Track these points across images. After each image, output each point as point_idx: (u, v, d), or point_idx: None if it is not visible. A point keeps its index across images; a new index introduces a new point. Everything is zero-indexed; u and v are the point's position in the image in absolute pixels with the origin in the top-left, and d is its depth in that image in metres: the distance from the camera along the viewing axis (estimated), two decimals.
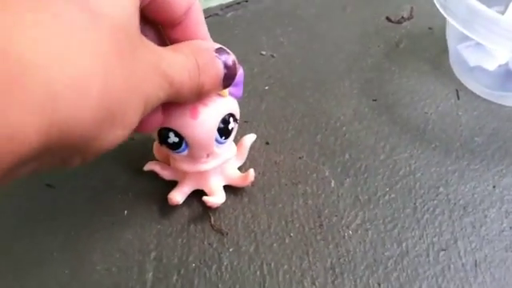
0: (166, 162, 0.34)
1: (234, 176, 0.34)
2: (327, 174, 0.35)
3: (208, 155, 0.31)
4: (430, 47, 0.44)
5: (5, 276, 0.31)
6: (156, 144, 0.34)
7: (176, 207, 0.34)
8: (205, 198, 0.32)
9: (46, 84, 0.17)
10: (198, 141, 0.30)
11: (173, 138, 0.30)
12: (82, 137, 0.19)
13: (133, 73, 0.21)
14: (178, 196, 0.33)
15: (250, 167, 0.35)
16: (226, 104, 0.30)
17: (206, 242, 0.32)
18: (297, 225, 0.33)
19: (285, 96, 0.40)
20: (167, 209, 0.34)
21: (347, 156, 0.36)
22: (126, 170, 0.36)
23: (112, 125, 0.20)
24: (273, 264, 0.31)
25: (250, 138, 0.35)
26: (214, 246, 0.32)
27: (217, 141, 0.30)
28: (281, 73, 0.42)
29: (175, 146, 0.30)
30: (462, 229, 0.32)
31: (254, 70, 0.42)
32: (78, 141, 0.19)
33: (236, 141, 0.34)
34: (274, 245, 0.32)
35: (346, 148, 0.37)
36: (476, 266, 0.31)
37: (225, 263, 0.31)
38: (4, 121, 0.16)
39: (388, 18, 0.47)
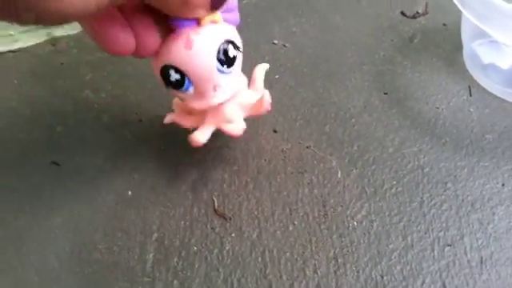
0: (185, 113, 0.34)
1: (251, 104, 0.33)
2: (334, 164, 0.35)
3: (215, 87, 0.30)
4: (443, 43, 0.43)
5: (5, 251, 0.31)
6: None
7: (180, 191, 0.33)
8: (224, 128, 0.32)
9: None
10: (198, 72, 0.28)
11: (174, 76, 0.28)
12: None
13: None
14: (199, 135, 0.31)
15: (256, 154, 0.35)
16: (221, 31, 0.29)
17: (208, 226, 0.32)
18: (301, 213, 0.32)
19: (295, 85, 0.40)
20: (171, 191, 0.33)
21: (355, 147, 0.36)
22: (131, 151, 0.36)
23: None
24: (275, 251, 0.31)
25: (261, 67, 0.34)
26: (217, 230, 0.32)
27: (219, 70, 0.29)
28: (292, 62, 0.42)
29: (179, 84, 0.29)
30: (468, 225, 0.32)
31: (266, 58, 0.42)
32: None
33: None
34: (278, 232, 0.32)
35: (355, 139, 0.36)
36: (482, 262, 0.30)
37: (226, 248, 0.31)
38: None
39: (403, 13, 0.46)
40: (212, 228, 0.32)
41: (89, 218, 0.32)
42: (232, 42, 0.29)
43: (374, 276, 0.30)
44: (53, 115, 0.38)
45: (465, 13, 0.35)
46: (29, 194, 0.34)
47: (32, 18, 0.20)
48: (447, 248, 0.31)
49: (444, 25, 0.45)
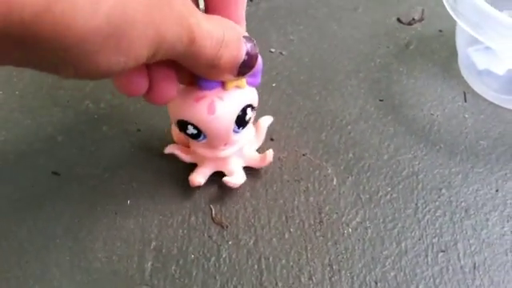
0: (184, 145, 0.35)
1: (253, 157, 0.35)
2: (330, 171, 0.35)
3: (226, 144, 0.32)
4: (439, 49, 0.44)
5: (7, 260, 0.32)
6: (174, 127, 0.35)
7: (178, 199, 0.34)
8: (225, 179, 0.33)
9: None
10: (215, 134, 0.30)
11: (191, 130, 0.30)
12: (76, 41, 0.19)
13: (157, 9, 0.21)
14: (199, 177, 0.34)
15: None
16: (243, 95, 0.30)
17: (206, 235, 0.32)
18: (297, 221, 0.33)
19: (291, 93, 0.40)
20: (169, 200, 0.34)
21: (351, 154, 0.36)
22: (130, 160, 0.36)
23: (117, 47, 0.20)
24: (271, 258, 0.31)
25: (266, 120, 0.36)
26: (214, 238, 0.32)
27: (234, 131, 0.31)
28: (289, 70, 0.42)
29: (194, 136, 0.31)
30: (462, 231, 0.32)
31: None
32: (70, 44, 0.19)
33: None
34: (274, 239, 0.32)
35: (350, 146, 0.37)
36: (475, 268, 0.31)
37: (223, 256, 0.31)
38: None
39: (399, 20, 0.46)
40: (209, 236, 0.32)
41: (89, 227, 0.33)
42: (251, 106, 0.31)
43: (368, 282, 0.30)
44: (54, 125, 0.39)
45: (458, 21, 0.35)
46: (30, 204, 0.34)
47: (71, 74, 0.21)
48: (441, 254, 0.31)
49: (440, 31, 0.45)
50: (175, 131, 0.35)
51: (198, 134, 0.30)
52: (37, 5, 0.17)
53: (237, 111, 0.30)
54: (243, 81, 0.29)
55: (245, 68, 0.27)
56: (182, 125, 0.30)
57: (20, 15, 0.17)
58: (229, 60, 0.26)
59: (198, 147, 0.33)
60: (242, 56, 0.26)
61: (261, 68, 0.30)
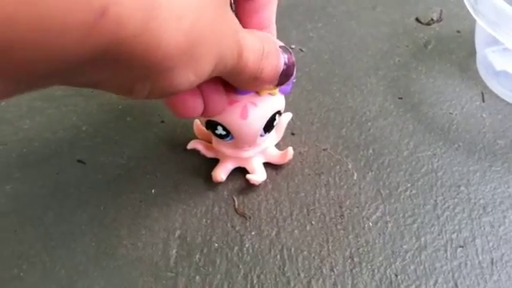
0: (206, 140, 0.36)
1: (273, 154, 0.36)
2: (350, 166, 0.36)
3: (250, 145, 0.33)
4: (457, 50, 0.44)
5: (34, 246, 0.33)
6: (197, 123, 0.36)
7: (201, 190, 0.35)
8: (248, 177, 0.34)
9: None
10: (244, 137, 0.31)
11: (220, 131, 0.31)
12: (161, 58, 0.19)
13: (219, 26, 0.21)
14: (221, 173, 0.34)
15: None
16: (275, 103, 0.31)
17: (229, 225, 0.33)
18: (318, 213, 0.34)
19: (312, 89, 0.41)
20: (193, 190, 0.35)
21: (371, 150, 0.37)
22: (154, 151, 0.37)
23: (188, 64, 0.21)
24: (293, 249, 0.32)
25: (286, 117, 0.37)
26: (237, 228, 0.33)
27: (260, 135, 0.32)
28: (309, 67, 0.43)
29: (221, 136, 0.32)
30: (480, 227, 0.33)
31: None
32: (155, 62, 0.19)
33: None
34: (295, 231, 0.33)
35: (370, 143, 0.37)
36: (492, 264, 0.31)
37: (246, 245, 0.32)
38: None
39: (417, 19, 0.47)
40: (232, 226, 0.33)
41: (114, 215, 0.34)
42: (279, 112, 0.32)
43: (388, 275, 0.31)
44: (78, 115, 0.39)
45: (478, 20, 0.36)
46: (56, 191, 0.35)
47: (145, 93, 0.22)
48: (459, 249, 0.32)
49: (458, 32, 0.46)
50: (197, 126, 0.36)
51: (226, 135, 0.31)
52: (135, 27, 0.17)
53: (267, 117, 0.31)
54: (276, 88, 0.30)
55: (283, 77, 0.28)
56: (212, 125, 0.31)
57: (119, 36, 0.17)
58: (270, 71, 0.27)
59: (222, 146, 0.33)
60: (282, 67, 0.27)
61: (293, 77, 0.31)
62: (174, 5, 0.18)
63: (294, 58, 0.28)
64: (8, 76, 0.16)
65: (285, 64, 0.27)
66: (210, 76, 0.23)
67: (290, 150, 0.35)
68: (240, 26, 0.24)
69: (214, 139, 0.34)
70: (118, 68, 0.19)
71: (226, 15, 0.22)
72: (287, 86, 0.31)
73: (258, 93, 0.30)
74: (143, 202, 0.34)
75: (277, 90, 0.31)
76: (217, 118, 0.30)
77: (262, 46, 0.26)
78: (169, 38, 0.18)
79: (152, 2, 0.17)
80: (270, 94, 0.30)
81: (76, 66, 0.17)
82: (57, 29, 0.15)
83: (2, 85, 0.17)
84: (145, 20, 0.17)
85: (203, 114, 0.28)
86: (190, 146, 0.35)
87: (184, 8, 0.19)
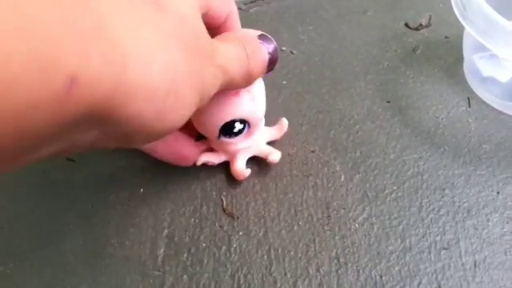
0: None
1: (271, 132, 0.37)
2: (338, 168, 0.36)
3: (259, 127, 0.34)
4: (445, 55, 0.45)
5: (21, 244, 0.33)
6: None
7: (190, 190, 0.35)
8: (271, 158, 0.35)
9: (118, 44, 0.18)
10: (259, 117, 0.33)
11: (238, 126, 0.32)
12: (148, 103, 0.19)
13: (194, 58, 0.22)
14: (241, 167, 0.35)
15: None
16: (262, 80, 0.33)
17: (217, 224, 0.33)
18: (305, 214, 0.34)
19: (301, 91, 0.42)
20: (182, 190, 0.35)
21: (358, 153, 0.37)
22: None
23: (176, 100, 0.21)
24: (280, 249, 0.32)
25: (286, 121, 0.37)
26: (225, 228, 0.33)
27: None
28: (299, 69, 0.43)
29: (239, 132, 0.32)
30: (464, 230, 0.33)
31: None
32: (136, 115, 0.19)
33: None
34: (283, 232, 0.33)
35: (358, 145, 0.38)
36: (475, 266, 0.32)
37: (234, 245, 0.32)
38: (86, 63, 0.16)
39: (407, 25, 0.48)
40: (220, 226, 0.33)
41: (102, 213, 0.34)
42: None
43: (373, 276, 0.31)
44: None
45: (466, 27, 0.36)
46: (45, 189, 0.35)
47: (143, 139, 0.22)
48: (443, 251, 0.32)
49: (446, 37, 0.47)
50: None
51: (244, 127, 0.32)
52: (107, 87, 0.17)
53: (264, 93, 0.33)
54: None
55: (271, 65, 0.28)
56: (229, 127, 0.31)
57: (95, 99, 0.17)
58: (259, 69, 0.27)
59: (232, 145, 0.34)
60: (267, 58, 0.28)
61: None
62: (140, 55, 0.19)
63: (275, 43, 0.29)
64: None
65: (269, 53, 0.28)
66: (199, 105, 0.24)
67: (285, 121, 0.36)
68: (215, 45, 0.25)
69: (220, 143, 0.33)
70: (105, 125, 0.19)
71: (198, 47, 0.22)
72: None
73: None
74: (131, 201, 0.34)
75: None
76: (233, 115, 0.31)
77: (244, 49, 0.26)
78: (143, 83, 0.19)
79: (118, 57, 0.18)
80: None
81: (62, 131, 0.18)
82: (29, 107, 0.15)
83: None
84: (115, 76, 0.17)
85: (180, 162, 0.34)
86: (200, 162, 0.35)
87: (151, 53, 0.19)
